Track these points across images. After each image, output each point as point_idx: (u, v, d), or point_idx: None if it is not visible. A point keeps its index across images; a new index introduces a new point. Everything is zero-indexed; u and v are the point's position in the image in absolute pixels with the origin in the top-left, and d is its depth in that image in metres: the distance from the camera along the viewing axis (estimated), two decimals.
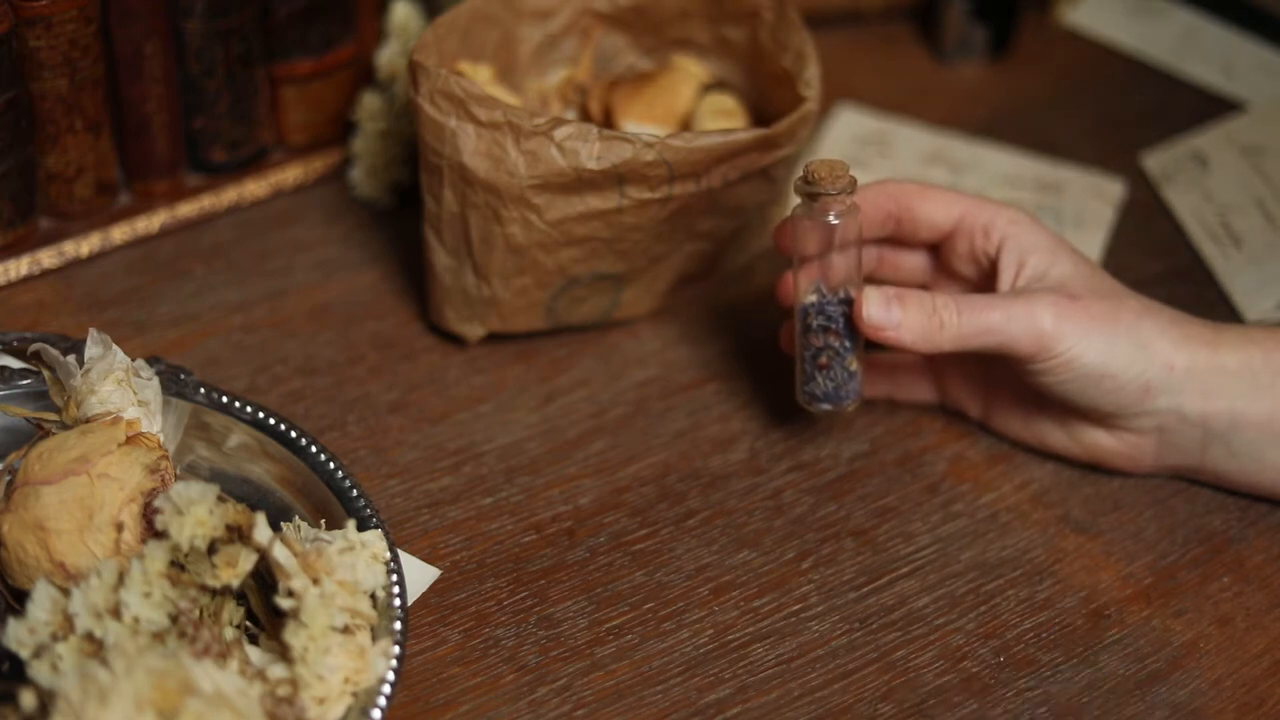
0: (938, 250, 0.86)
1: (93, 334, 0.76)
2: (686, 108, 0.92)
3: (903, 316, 0.79)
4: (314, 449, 0.79)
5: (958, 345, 0.80)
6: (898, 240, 0.86)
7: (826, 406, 0.81)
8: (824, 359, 0.81)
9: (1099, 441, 0.83)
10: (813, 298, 0.81)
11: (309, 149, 0.99)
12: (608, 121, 0.92)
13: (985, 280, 0.84)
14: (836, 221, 0.80)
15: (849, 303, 0.80)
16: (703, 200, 0.85)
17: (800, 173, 0.81)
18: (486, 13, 0.91)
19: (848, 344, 0.81)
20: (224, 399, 0.81)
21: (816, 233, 0.80)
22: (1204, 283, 0.97)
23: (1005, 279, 0.82)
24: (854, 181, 0.80)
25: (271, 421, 0.80)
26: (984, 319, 0.79)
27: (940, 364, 0.87)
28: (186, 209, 0.95)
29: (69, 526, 0.71)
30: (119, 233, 0.94)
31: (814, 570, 0.80)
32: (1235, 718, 0.75)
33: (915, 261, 0.87)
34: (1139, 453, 0.83)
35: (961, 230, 0.83)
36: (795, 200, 0.98)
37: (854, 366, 0.81)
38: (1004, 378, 0.84)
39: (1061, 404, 0.82)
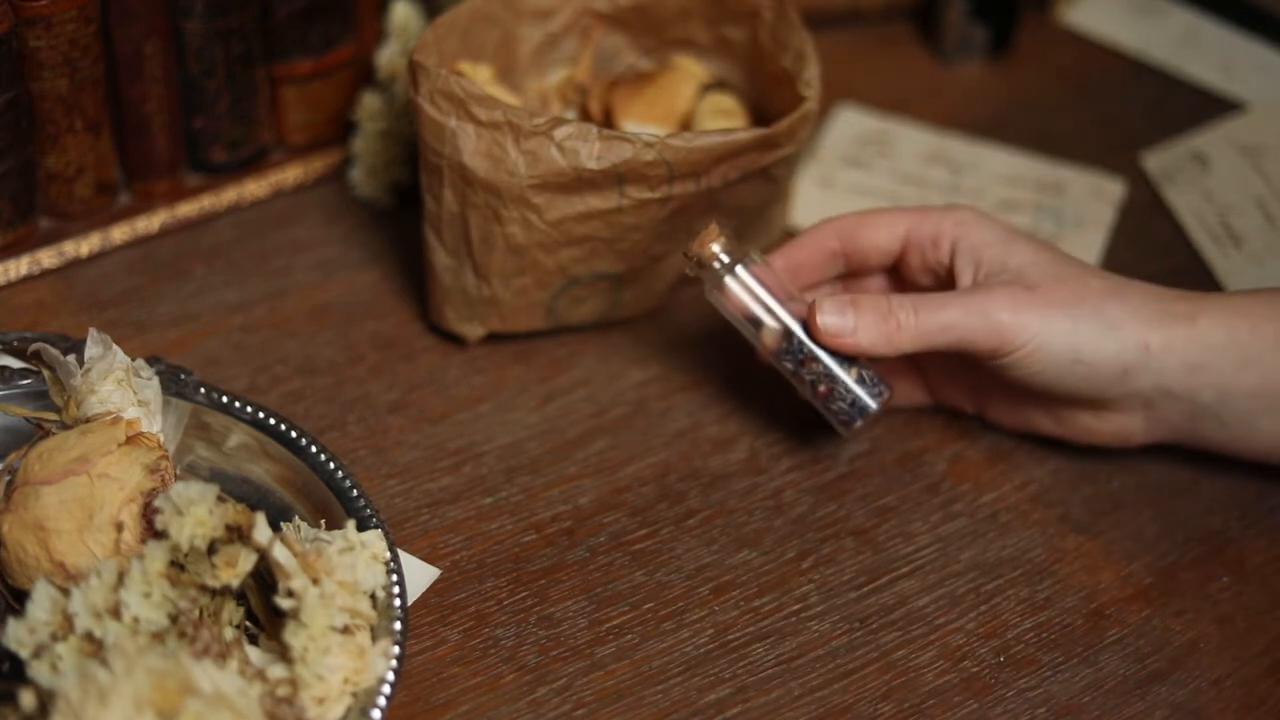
0: (894, 269, 0.86)
1: (93, 334, 0.76)
2: (686, 108, 0.92)
3: (857, 321, 0.79)
4: (314, 449, 0.79)
5: (918, 345, 0.79)
6: (851, 273, 0.86)
7: (859, 423, 0.81)
8: (823, 387, 0.81)
9: (1087, 425, 0.83)
10: (788, 354, 0.81)
11: (309, 149, 0.99)
12: (608, 121, 0.92)
13: (945, 287, 0.83)
14: (744, 272, 0.80)
15: (805, 323, 0.81)
16: (703, 200, 0.85)
17: (687, 263, 0.81)
18: (486, 13, 0.91)
19: (830, 362, 0.81)
20: (224, 399, 0.81)
21: (735, 294, 0.80)
22: (1204, 283, 0.97)
23: (964, 279, 0.82)
24: (727, 232, 0.81)
25: (271, 421, 0.80)
26: (940, 317, 0.79)
27: (922, 364, 0.87)
28: (186, 209, 0.95)
29: (69, 526, 0.71)
30: (119, 233, 0.94)
31: (814, 570, 0.80)
32: (1235, 718, 0.75)
33: (875, 284, 0.86)
34: (1128, 431, 0.83)
35: (911, 247, 0.83)
36: (796, 200, 0.98)
37: (853, 375, 0.81)
38: (988, 377, 0.84)
39: (1043, 393, 0.82)
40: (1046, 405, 0.83)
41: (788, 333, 0.81)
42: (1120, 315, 0.80)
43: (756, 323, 0.81)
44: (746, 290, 0.81)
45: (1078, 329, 0.79)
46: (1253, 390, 0.80)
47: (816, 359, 0.80)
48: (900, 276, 0.85)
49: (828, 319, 0.79)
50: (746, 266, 0.81)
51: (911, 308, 0.79)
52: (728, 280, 0.81)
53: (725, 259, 0.81)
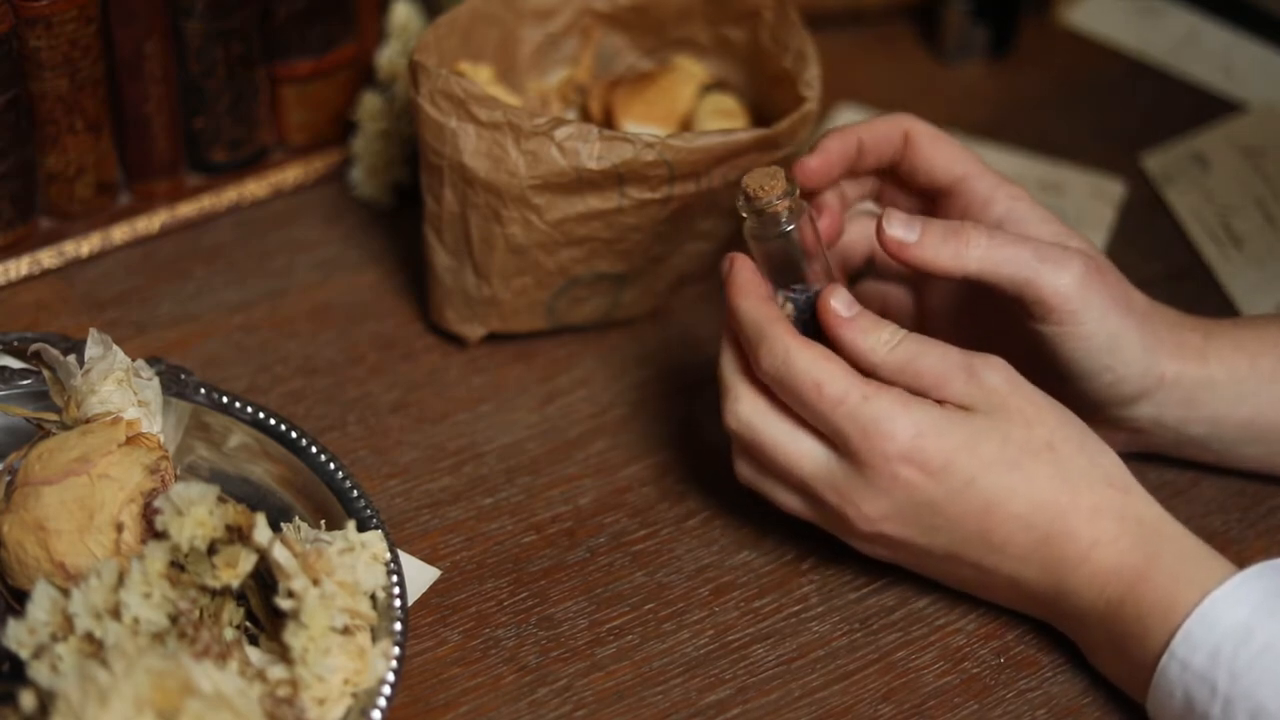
0: (934, 201, 0.83)
1: (93, 334, 0.76)
2: (687, 108, 0.92)
3: (923, 233, 0.77)
4: (314, 449, 0.79)
5: (983, 266, 0.76)
6: (894, 178, 0.84)
7: None
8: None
9: None
10: (789, 309, 0.79)
11: (309, 149, 0.99)
12: (608, 122, 0.92)
13: None
14: (790, 227, 0.78)
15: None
16: (703, 200, 0.85)
17: (740, 196, 0.78)
18: (487, 13, 0.91)
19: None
20: (224, 399, 0.81)
21: (778, 251, 0.78)
22: (1204, 283, 0.97)
23: None
24: (793, 185, 0.78)
25: (271, 422, 0.80)
26: (1015, 248, 0.76)
27: (943, 322, 0.85)
28: (186, 209, 0.95)
29: (69, 527, 0.71)
30: (119, 233, 0.94)
31: (814, 570, 0.80)
32: None
33: (911, 205, 0.84)
34: (1111, 444, 0.83)
35: (959, 193, 0.81)
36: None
37: None
38: (1020, 331, 0.83)
39: (1058, 376, 0.79)
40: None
41: (811, 293, 0.79)
42: (1154, 339, 0.79)
43: (785, 270, 0.79)
44: (791, 244, 0.78)
45: (1125, 334, 0.78)
46: (1244, 423, 0.81)
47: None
48: (937, 212, 0.82)
49: (895, 230, 0.77)
50: (803, 221, 0.78)
51: (985, 233, 0.77)
52: (776, 229, 0.78)
53: (784, 218, 0.78)
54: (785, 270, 0.79)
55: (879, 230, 0.77)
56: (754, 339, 0.76)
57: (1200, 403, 0.80)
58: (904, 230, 0.77)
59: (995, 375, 0.75)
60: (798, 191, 0.79)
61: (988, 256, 0.77)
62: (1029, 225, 0.80)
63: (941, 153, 0.82)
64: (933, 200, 0.83)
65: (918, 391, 0.75)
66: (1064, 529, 0.73)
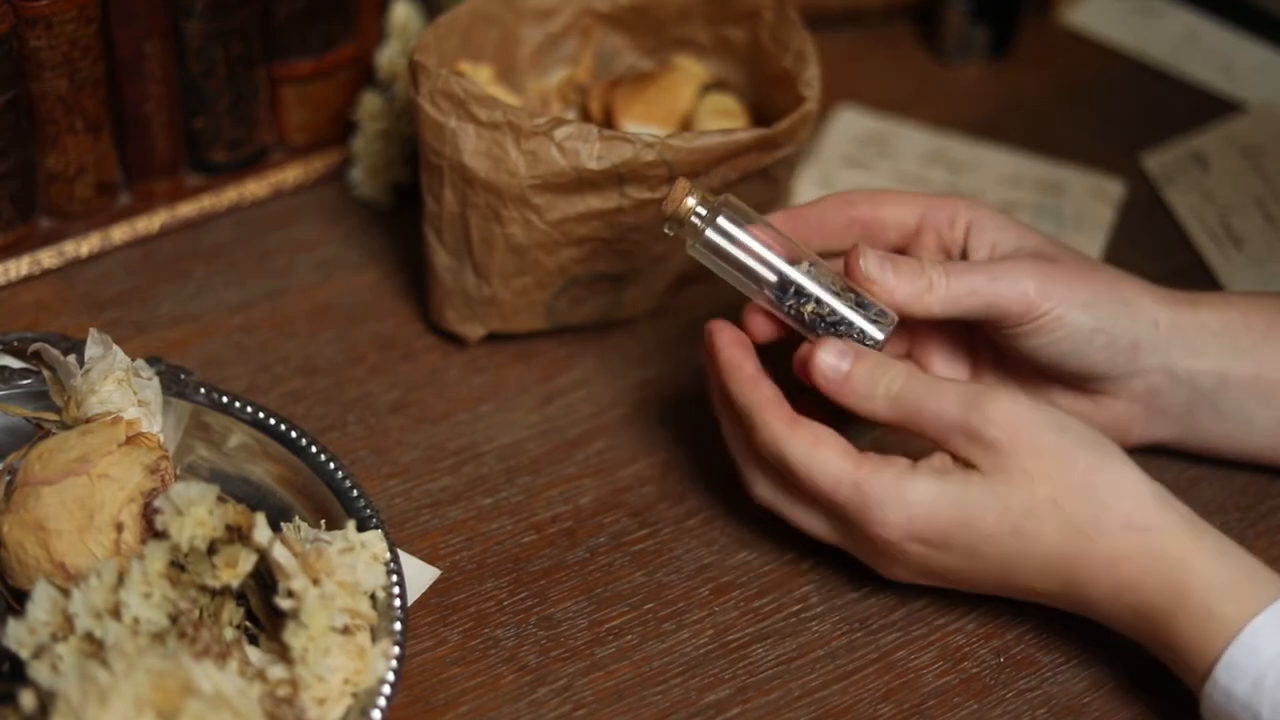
0: (903, 251, 0.85)
1: (93, 334, 0.76)
2: (687, 108, 0.92)
3: (895, 276, 0.79)
4: (314, 449, 0.79)
5: (945, 308, 0.79)
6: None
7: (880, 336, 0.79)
8: (824, 326, 0.78)
9: (1087, 415, 0.82)
10: (784, 298, 0.79)
11: (309, 149, 0.99)
12: (608, 122, 0.92)
13: None
14: (719, 217, 0.78)
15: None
16: None
17: (666, 224, 0.79)
18: (486, 13, 0.91)
19: (829, 298, 0.78)
20: (224, 399, 0.81)
21: (719, 244, 0.78)
22: (1204, 283, 0.97)
23: (979, 256, 0.82)
24: (697, 184, 0.79)
25: (271, 421, 0.80)
26: (970, 280, 0.79)
27: (923, 354, 0.85)
28: (186, 209, 0.95)
29: (69, 526, 0.71)
30: (119, 233, 0.94)
31: (814, 570, 0.80)
32: None
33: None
34: (1128, 421, 0.83)
35: (927, 227, 0.83)
36: (796, 201, 0.98)
37: (855, 311, 0.78)
38: (987, 360, 0.84)
39: (1055, 368, 0.81)
40: (1047, 392, 0.83)
41: (781, 277, 0.79)
42: (1132, 292, 0.81)
43: (746, 271, 0.79)
44: (730, 239, 0.78)
45: (1097, 300, 0.80)
46: (1249, 379, 0.82)
47: (815, 298, 0.78)
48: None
49: (870, 267, 0.78)
50: (726, 215, 0.78)
51: (944, 270, 0.79)
52: (709, 232, 0.78)
53: (703, 211, 0.78)
54: (755, 269, 0.78)
55: (851, 263, 0.78)
56: (747, 423, 0.77)
57: (1202, 350, 0.81)
58: (878, 271, 0.78)
59: (994, 429, 0.74)
60: (703, 187, 0.79)
61: (948, 296, 0.78)
62: (989, 231, 0.82)
63: (897, 202, 0.83)
64: (903, 248, 0.84)
65: (922, 437, 0.76)
66: (1082, 578, 0.74)
